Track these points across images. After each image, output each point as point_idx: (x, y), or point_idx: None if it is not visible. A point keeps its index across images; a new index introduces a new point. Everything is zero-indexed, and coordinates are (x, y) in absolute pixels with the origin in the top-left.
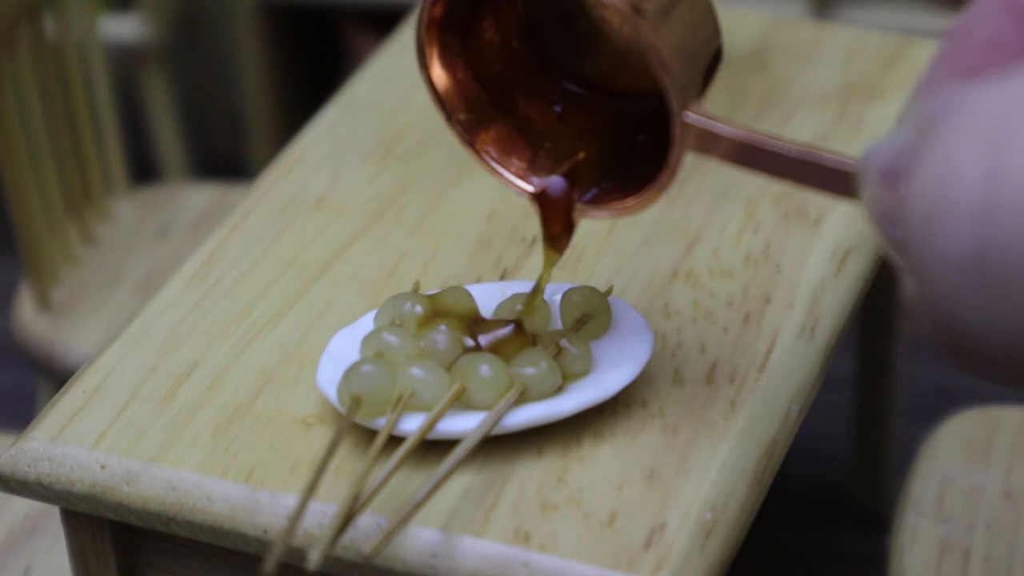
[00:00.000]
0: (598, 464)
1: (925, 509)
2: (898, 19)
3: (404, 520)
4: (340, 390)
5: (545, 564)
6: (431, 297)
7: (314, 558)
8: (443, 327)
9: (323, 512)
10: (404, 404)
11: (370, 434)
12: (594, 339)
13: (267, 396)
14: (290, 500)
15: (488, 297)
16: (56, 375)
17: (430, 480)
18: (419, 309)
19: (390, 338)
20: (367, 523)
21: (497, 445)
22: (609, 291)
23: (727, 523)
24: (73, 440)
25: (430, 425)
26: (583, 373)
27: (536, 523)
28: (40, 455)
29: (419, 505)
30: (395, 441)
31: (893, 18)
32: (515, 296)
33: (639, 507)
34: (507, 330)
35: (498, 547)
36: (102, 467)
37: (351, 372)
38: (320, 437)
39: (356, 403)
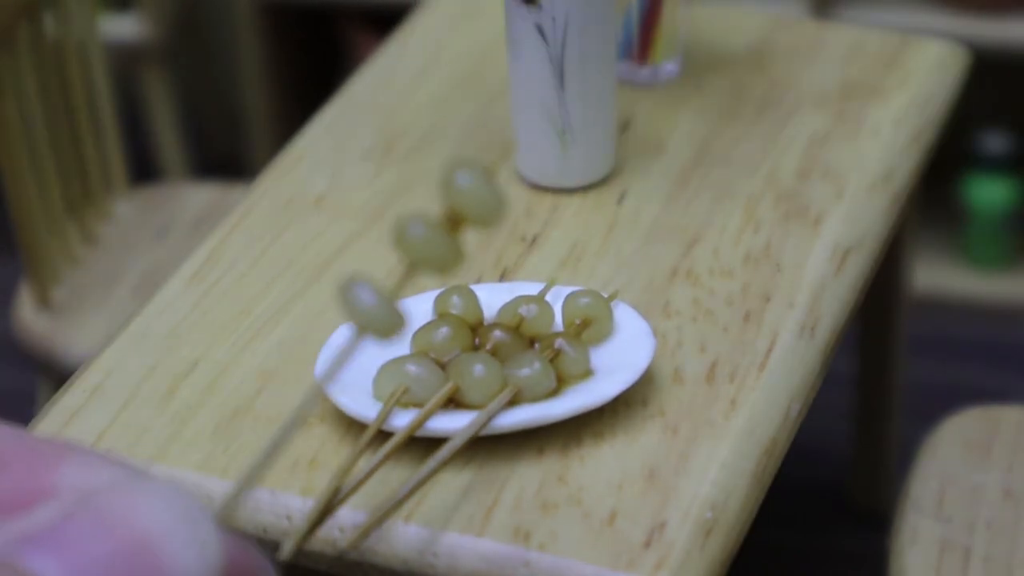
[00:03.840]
0: (598, 463)
1: (925, 509)
2: (898, 19)
3: (383, 516)
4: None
5: (545, 563)
6: (438, 297)
7: (287, 548)
8: (444, 326)
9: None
10: (396, 400)
11: (361, 429)
12: (596, 344)
13: (267, 396)
14: (290, 499)
15: (493, 297)
16: (56, 375)
17: (413, 477)
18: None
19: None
20: (357, 519)
21: (497, 445)
22: (613, 296)
23: (727, 522)
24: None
25: (419, 422)
26: (582, 376)
27: (536, 522)
28: None
29: (400, 502)
30: (387, 438)
31: (893, 18)
32: (520, 297)
33: (639, 506)
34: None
35: (498, 546)
36: None
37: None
38: (320, 436)
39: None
